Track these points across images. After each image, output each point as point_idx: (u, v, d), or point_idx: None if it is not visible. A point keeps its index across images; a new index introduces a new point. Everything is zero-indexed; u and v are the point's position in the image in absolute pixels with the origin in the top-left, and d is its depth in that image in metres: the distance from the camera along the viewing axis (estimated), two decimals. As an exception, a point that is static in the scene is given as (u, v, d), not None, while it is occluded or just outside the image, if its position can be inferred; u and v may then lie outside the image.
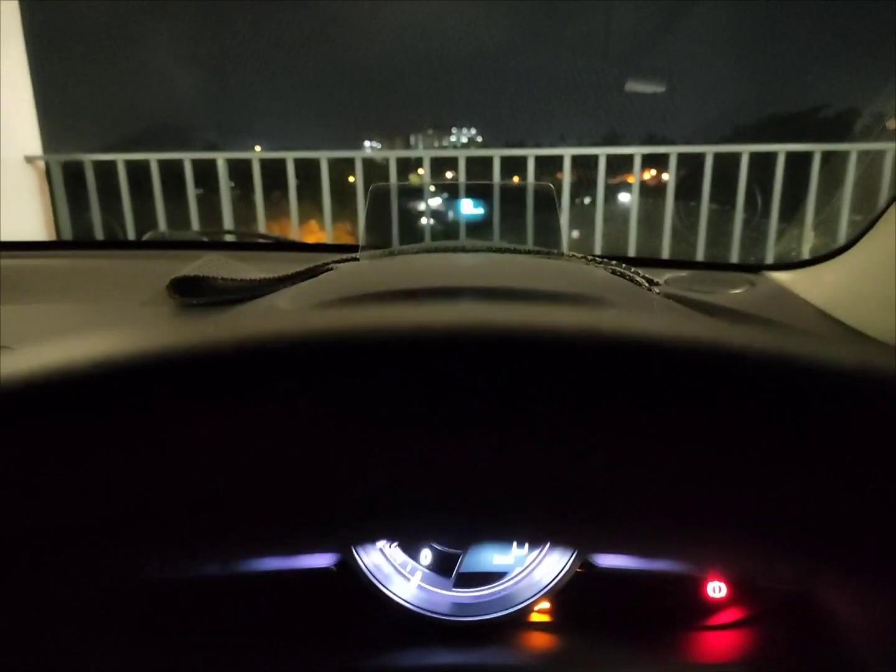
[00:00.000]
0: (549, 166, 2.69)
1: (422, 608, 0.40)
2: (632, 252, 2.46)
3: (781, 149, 2.30)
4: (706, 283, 0.57)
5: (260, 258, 0.72)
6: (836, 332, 0.48)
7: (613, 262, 0.53)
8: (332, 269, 0.52)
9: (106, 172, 2.49)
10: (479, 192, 2.34)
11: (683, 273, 0.61)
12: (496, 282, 0.35)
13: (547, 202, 0.56)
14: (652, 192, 2.58)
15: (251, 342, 0.14)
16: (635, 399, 0.13)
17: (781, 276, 0.60)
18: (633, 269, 0.52)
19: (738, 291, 0.56)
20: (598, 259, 0.53)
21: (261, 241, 0.91)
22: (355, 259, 0.54)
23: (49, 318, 0.52)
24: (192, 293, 0.53)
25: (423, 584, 0.41)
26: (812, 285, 0.55)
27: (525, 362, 0.13)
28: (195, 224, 2.50)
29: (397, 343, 0.13)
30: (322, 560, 0.39)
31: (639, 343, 0.13)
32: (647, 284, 0.51)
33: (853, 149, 2.25)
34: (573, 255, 0.53)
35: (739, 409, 0.13)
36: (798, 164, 2.31)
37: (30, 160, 2.37)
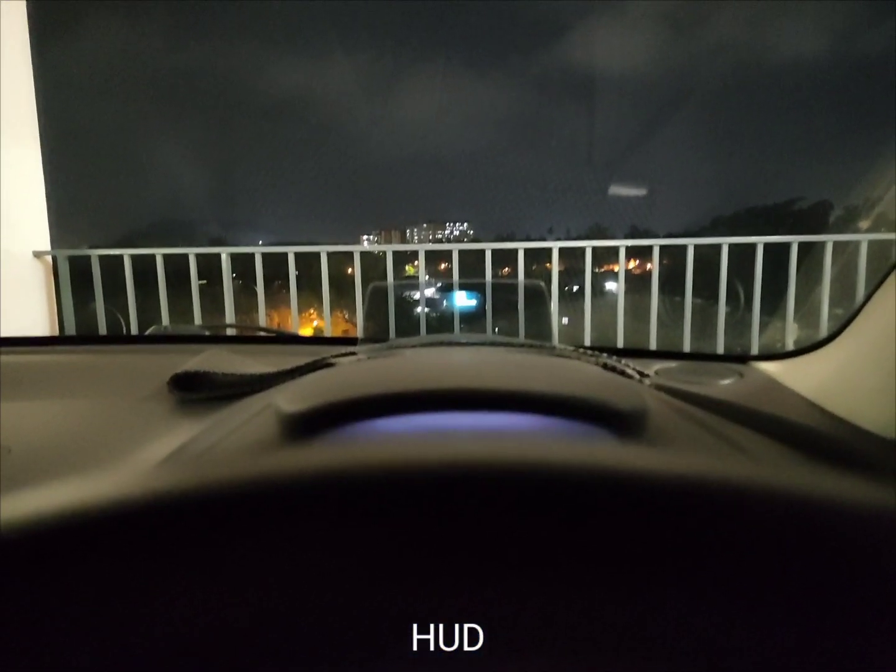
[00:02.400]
0: (538, 257, 2.80)
1: None
2: (620, 340, 2.50)
3: (760, 240, 2.41)
4: (696, 374, 0.58)
5: (261, 351, 0.74)
6: (827, 423, 0.48)
7: (604, 355, 0.54)
8: (331, 363, 0.54)
9: (112, 266, 2.56)
10: (472, 285, 2.41)
11: (673, 364, 0.62)
12: (492, 383, 0.36)
13: (538, 298, 0.59)
14: (636, 280, 2.68)
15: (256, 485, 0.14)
16: (636, 541, 0.14)
17: (769, 367, 0.61)
18: (623, 362, 0.53)
19: (727, 382, 0.57)
20: (588, 352, 0.54)
21: (262, 334, 0.93)
22: (353, 353, 0.55)
23: (49, 416, 0.52)
24: (192, 388, 0.54)
25: None
26: (800, 375, 0.56)
27: (526, 506, 0.14)
28: (198, 315, 2.55)
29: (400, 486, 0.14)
30: None
31: (636, 484, 0.14)
32: (637, 377, 0.53)
33: (829, 239, 2.36)
34: (565, 349, 0.54)
35: (743, 549, 0.14)
36: (777, 255, 2.41)
37: (38, 255, 2.45)
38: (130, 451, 0.43)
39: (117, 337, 0.99)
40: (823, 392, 0.52)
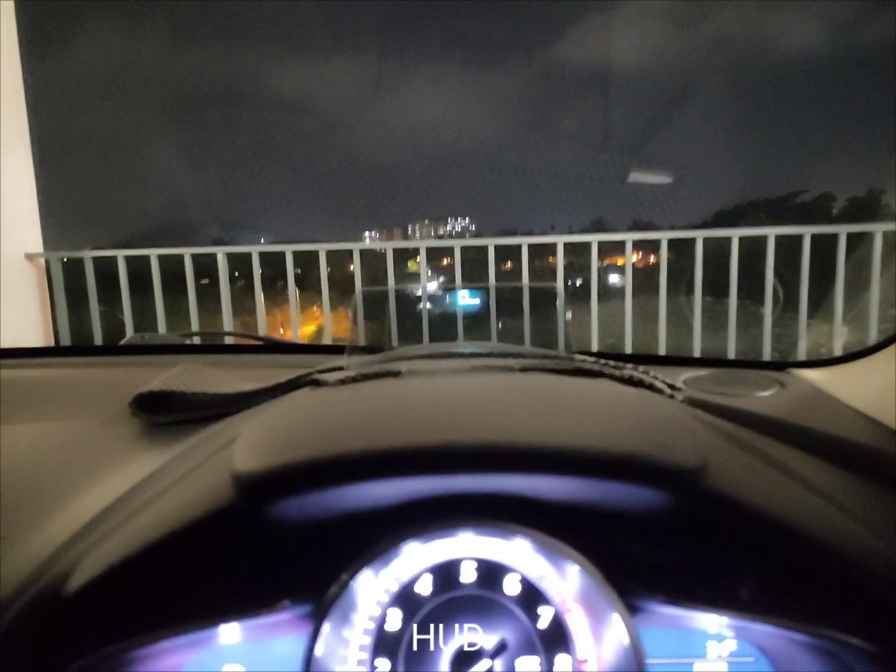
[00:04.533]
0: (540, 253, 2.74)
1: None
2: (628, 336, 2.41)
3: (771, 232, 2.32)
4: (731, 385, 0.51)
5: (242, 363, 0.67)
6: (888, 439, 0.42)
7: (629, 365, 0.48)
8: (316, 380, 0.47)
9: (108, 268, 2.50)
10: (478, 288, 2.33)
11: (703, 372, 0.56)
12: (515, 434, 0.30)
13: (549, 301, 0.52)
14: (640, 273, 2.59)
15: None
16: None
17: (813, 375, 0.54)
18: (651, 374, 0.47)
19: (767, 394, 0.50)
20: (612, 363, 0.48)
21: (251, 342, 0.87)
22: (340, 368, 0.49)
23: (6, 443, 0.46)
24: (158, 410, 0.47)
25: None
26: (850, 384, 0.50)
27: None
28: (195, 317, 2.48)
29: None
30: None
31: None
32: (668, 390, 0.46)
33: (843, 231, 2.27)
34: (585, 360, 0.48)
35: None
36: (790, 252, 2.32)
37: (30, 257, 2.39)
38: (77, 491, 0.37)
39: (87, 349, 0.93)
40: (879, 403, 0.46)
